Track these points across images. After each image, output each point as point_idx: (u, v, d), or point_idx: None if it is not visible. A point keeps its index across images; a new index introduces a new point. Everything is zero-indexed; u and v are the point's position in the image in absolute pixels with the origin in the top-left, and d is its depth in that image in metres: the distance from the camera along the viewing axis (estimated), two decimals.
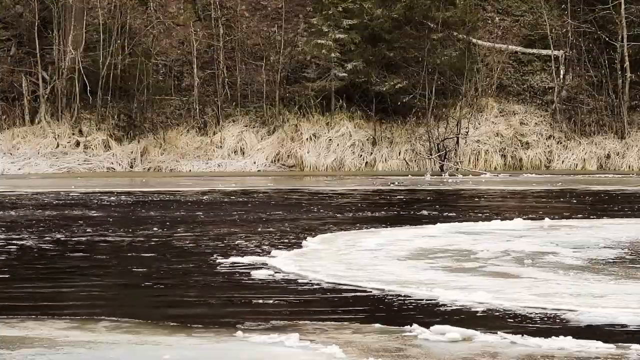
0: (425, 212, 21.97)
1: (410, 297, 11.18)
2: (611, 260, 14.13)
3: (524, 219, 19.55)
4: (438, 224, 18.70)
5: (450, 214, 21.42)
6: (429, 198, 27.05)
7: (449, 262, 13.97)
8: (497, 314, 10.24)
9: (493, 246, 15.56)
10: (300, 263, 13.78)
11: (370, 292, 11.59)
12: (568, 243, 16.02)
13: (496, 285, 11.86)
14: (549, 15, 41.86)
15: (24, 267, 13.90)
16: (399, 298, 11.16)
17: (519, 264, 13.78)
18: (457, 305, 10.64)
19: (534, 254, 14.67)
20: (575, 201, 25.48)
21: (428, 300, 10.98)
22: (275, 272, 13.09)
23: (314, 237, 16.72)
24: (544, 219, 19.79)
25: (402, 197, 27.14)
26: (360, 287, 11.87)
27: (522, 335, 8.96)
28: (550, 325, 9.71)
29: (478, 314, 10.27)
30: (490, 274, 12.85)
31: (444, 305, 10.69)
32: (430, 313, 10.32)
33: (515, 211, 21.77)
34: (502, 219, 19.51)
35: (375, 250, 15.20)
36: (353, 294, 11.51)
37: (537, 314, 10.18)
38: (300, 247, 15.62)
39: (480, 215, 21.15)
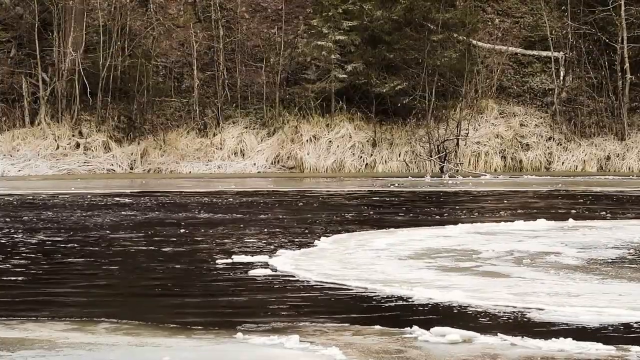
0: (438, 213, 22.06)
1: (387, 295, 11.37)
2: (610, 261, 14.21)
3: (547, 219, 19.62)
4: (459, 224, 18.88)
5: (472, 215, 21.46)
6: (440, 199, 27.08)
7: (447, 262, 14.06)
8: (466, 311, 10.44)
9: (502, 246, 15.67)
10: (299, 262, 13.94)
11: (352, 290, 11.80)
12: (578, 243, 16.10)
13: (479, 284, 12.03)
14: (549, 16, 41.86)
15: (23, 268, 13.89)
16: (377, 296, 11.33)
17: (516, 264, 13.89)
18: (431, 304, 10.82)
19: (537, 254, 14.77)
20: (595, 202, 25.33)
21: (405, 298, 11.14)
22: (271, 271, 13.26)
23: (328, 237, 16.86)
24: (567, 219, 19.84)
25: (411, 198, 27.13)
26: (344, 285, 12.09)
27: (522, 337, 8.98)
28: (510, 322, 9.91)
29: (441, 311, 10.47)
30: (480, 274, 12.99)
31: (419, 303, 10.85)
32: (405, 311, 10.46)
33: (532, 211, 21.85)
34: (525, 220, 19.59)
35: (381, 250, 15.30)
36: (334, 292, 11.70)
37: (504, 312, 10.36)
38: (311, 246, 15.73)
39: (499, 215, 21.21)
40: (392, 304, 10.89)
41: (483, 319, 10.03)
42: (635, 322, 9.80)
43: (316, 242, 16.15)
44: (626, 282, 12.33)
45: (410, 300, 11.02)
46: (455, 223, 19.11)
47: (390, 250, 15.32)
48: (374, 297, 11.30)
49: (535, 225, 18.92)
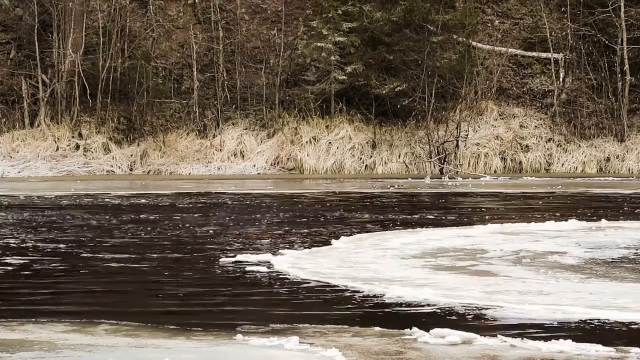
0: (461, 214, 22.14)
1: (362, 292, 11.56)
2: (609, 261, 14.27)
3: (579, 220, 19.62)
4: (489, 224, 18.94)
5: (495, 217, 21.48)
6: (449, 201, 27.07)
7: (446, 261, 14.15)
8: (429, 307, 10.67)
9: (514, 246, 15.71)
10: (298, 261, 14.06)
11: (334, 287, 11.98)
12: (592, 243, 16.13)
13: (460, 283, 12.18)
14: (549, 18, 41.87)
15: (23, 270, 13.89)
16: (352, 293, 11.54)
17: (514, 263, 13.97)
18: (402, 301, 10.99)
19: (542, 253, 14.85)
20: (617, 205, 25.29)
21: (376, 296, 11.33)
22: (267, 269, 13.40)
23: (348, 236, 16.99)
24: (600, 220, 19.77)
25: (423, 199, 27.12)
26: (328, 283, 12.26)
27: (522, 339, 8.99)
28: (463, 318, 10.13)
29: (411, 308, 10.68)
30: (470, 273, 13.11)
31: (390, 301, 11.02)
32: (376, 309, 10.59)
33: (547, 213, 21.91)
34: (556, 220, 19.59)
35: (391, 250, 15.38)
36: (316, 290, 11.91)
37: (465, 309, 10.54)
38: (326, 245, 15.84)
39: (529, 216, 21.25)
40: (370, 303, 11.00)
41: (443, 315, 10.23)
42: (589, 319, 9.93)
43: (333, 240, 16.26)
44: (608, 281, 12.41)
45: (381, 298, 11.19)
46: (484, 223, 19.19)
47: (400, 249, 15.39)
48: (349, 294, 11.48)
49: (564, 225, 18.82)
